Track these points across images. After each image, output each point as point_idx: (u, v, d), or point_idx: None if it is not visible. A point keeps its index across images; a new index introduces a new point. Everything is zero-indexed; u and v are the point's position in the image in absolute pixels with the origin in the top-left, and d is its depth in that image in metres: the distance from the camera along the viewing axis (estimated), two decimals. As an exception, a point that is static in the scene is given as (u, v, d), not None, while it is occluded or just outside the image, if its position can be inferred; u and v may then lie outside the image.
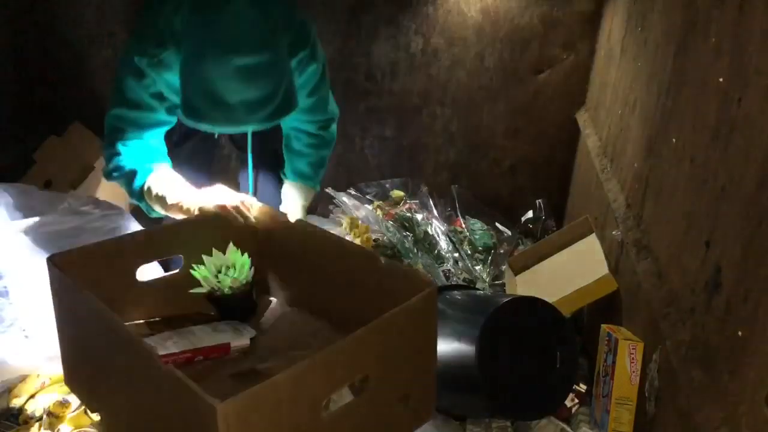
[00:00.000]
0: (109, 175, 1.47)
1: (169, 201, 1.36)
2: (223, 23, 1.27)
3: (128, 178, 1.43)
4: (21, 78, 2.49)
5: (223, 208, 1.29)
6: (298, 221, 1.30)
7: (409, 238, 2.14)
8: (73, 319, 1.09)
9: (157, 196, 1.39)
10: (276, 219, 1.32)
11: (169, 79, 1.39)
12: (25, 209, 1.67)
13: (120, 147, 1.43)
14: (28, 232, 1.57)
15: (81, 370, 1.13)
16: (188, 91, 1.33)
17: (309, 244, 1.27)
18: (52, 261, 1.08)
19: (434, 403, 1.14)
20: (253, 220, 1.31)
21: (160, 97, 1.42)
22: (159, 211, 1.43)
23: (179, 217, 1.37)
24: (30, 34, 2.47)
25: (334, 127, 1.72)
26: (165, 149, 1.50)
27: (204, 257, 1.27)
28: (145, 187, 1.41)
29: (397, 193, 2.40)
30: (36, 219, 1.62)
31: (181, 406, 0.85)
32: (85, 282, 1.01)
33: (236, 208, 1.29)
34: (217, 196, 1.33)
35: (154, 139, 1.47)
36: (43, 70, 2.53)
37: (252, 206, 1.32)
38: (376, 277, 1.14)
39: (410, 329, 1.01)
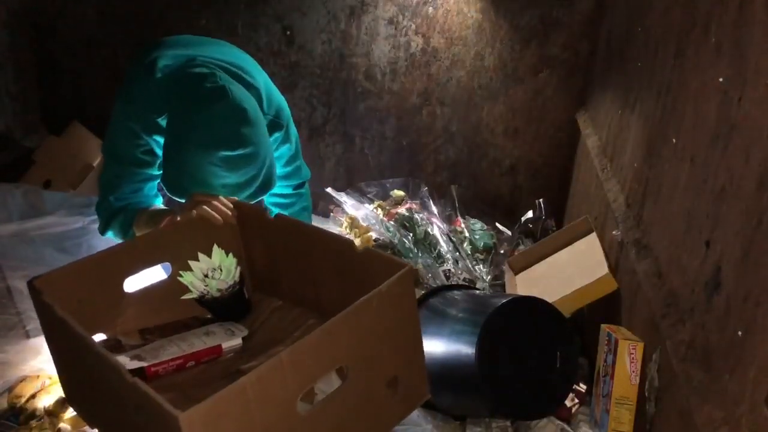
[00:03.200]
0: (105, 228, 1.46)
1: (163, 214, 1.37)
2: (213, 119, 1.30)
3: (122, 218, 1.43)
4: (21, 78, 2.48)
5: (201, 209, 1.28)
6: (278, 215, 1.29)
7: (409, 238, 2.14)
8: (56, 340, 1.09)
9: (149, 215, 1.40)
10: (255, 213, 1.32)
11: (161, 141, 1.41)
12: (28, 209, 1.67)
13: (114, 201, 1.44)
14: (31, 232, 1.57)
15: (76, 388, 1.13)
16: (171, 170, 1.36)
17: (291, 238, 1.27)
18: (31, 284, 1.06)
19: (427, 386, 1.12)
20: (230, 213, 1.30)
21: (152, 153, 1.43)
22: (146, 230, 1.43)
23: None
24: (30, 34, 2.47)
25: (307, 186, 1.76)
26: (160, 199, 1.50)
27: (190, 262, 1.27)
28: (137, 218, 1.42)
29: (397, 193, 2.40)
30: (39, 219, 1.62)
31: (149, 418, 0.85)
32: (72, 300, 1.00)
33: (214, 207, 1.28)
34: (194, 201, 1.32)
35: (151, 191, 1.48)
36: (43, 70, 2.53)
37: (222, 204, 1.31)
38: (355, 264, 1.14)
39: (387, 313, 1.00)
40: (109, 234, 1.47)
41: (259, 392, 0.84)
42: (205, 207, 1.28)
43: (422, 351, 1.10)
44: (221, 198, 1.31)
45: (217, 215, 1.28)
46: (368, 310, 0.97)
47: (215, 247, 1.29)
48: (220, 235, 1.29)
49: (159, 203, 1.49)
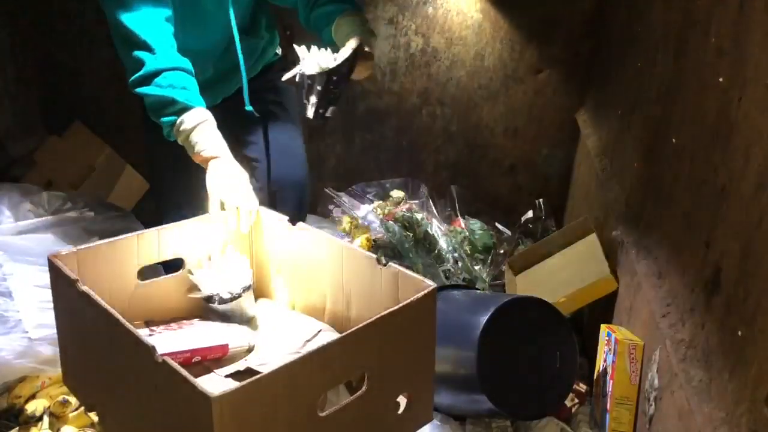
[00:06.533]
0: (139, 85, 1.37)
1: (205, 154, 1.33)
2: None
3: (163, 102, 1.35)
4: (21, 78, 2.48)
5: (233, 208, 1.27)
6: (298, 225, 1.28)
7: (409, 238, 2.14)
8: (73, 317, 1.10)
9: (188, 139, 1.35)
10: (275, 220, 1.32)
11: None
12: (28, 210, 1.67)
13: (148, 55, 1.35)
14: (32, 232, 1.57)
15: (79, 368, 1.14)
16: None
17: (307, 248, 1.27)
18: (51, 260, 1.08)
19: (432, 410, 1.14)
20: (245, 229, 1.29)
21: None
22: (180, 142, 1.38)
23: (197, 160, 1.35)
24: (30, 34, 2.47)
25: None
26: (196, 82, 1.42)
27: (202, 262, 1.27)
28: (182, 125, 1.35)
29: (397, 193, 2.40)
30: (41, 220, 1.62)
31: (177, 398, 0.85)
32: (86, 282, 1.02)
33: (233, 209, 1.28)
34: (228, 188, 1.29)
35: (171, 27, 1.41)
36: (43, 70, 2.53)
37: (251, 211, 1.30)
38: (375, 280, 1.14)
39: (409, 329, 1.01)
40: (151, 91, 1.36)
41: (287, 385, 0.85)
42: (237, 207, 1.27)
43: (432, 376, 1.11)
44: (258, 208, 1.30)
45: (235, 222, 1.27)
46: (394, 323, 0.98)
47: (230, 249, 1.29)
48: (235, 238, 1.30)
49: (202, 102, 1.39)
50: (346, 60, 1.38)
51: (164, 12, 1.40)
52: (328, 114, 1.41)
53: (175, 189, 1.64)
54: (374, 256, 1.15)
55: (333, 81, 1.38)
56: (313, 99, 1.39)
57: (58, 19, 2.46)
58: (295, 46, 1.41)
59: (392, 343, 0.99)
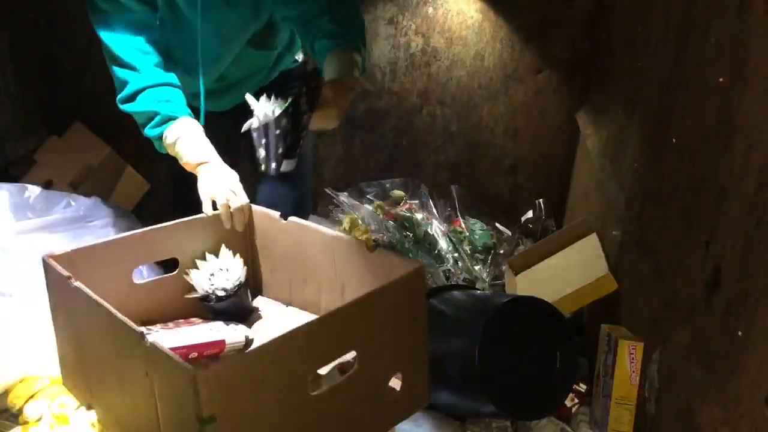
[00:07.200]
0: (125, 102, 1.40)
1: (192, 161, 1.33)
2: None
3: (148, 116, 1.37)
4: (21, 78, 2.48)
5: (224, 206, 1.28)
6: (289, 219, 1.29)
7: (409, 238, 2.14)
8: (68, 315, 1.10)
9: (175, 151, 1.36)
10: (266, 217, 1.32)
11: None
12: (28, 210, 1.67)
13: (133, 74, 1.38)
14: (32, 232, 1.57)
15: (76, 366, 1.14)
16: None
17: (299, 241, 1.28)
18: (45, 260, 1.08)
19: (428, 392, 1.14)
20: (239, 227, 1.29)
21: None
22: (171, 154, 1.38)
23: (188, 168, 1.35)
24: (30, 34, 2.47)
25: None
26: (182, 94, 1.41)
27: (197, 261, 1.28)
28: (167, 137, 1.35)
29: (397, 193, 2.40)
30: (40, 220, 1.62)
31: (166, 380, 0.86)
32: (81, 282, 1.02)
33: (224, 207, 1.28)
34: (218, 186, 1.29)
35: (156, 46, 1.42)
36: (43, 70, 2.53)
37: (243, 208, 1.30)
38: (366, 266, 1.15)
39: (398, 307, 1.02)
40: (136, 108, 1.38)
41: (275, 363, 0.86)
42: (227, 205, 1.27)
43: (427, 356, 1.11)
44: (247, 204, 1.31)
45: (228, 220, 1.27)
46: (382, 300, 0.98)
47: (223, 248, 1.29)
48: (228, 236, 1.30)
49: (187, 112, 1.38)
50: (287, 109, 1.17)
51: (146, 37, 1.42)
52: (283, 168, 1.20)
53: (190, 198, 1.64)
54: (361, 241, 1.15)
55: (281, 133, 1.17)
56: (262, 152, 1.18)
57: (58, 19, 2.46)
58: (247, 96, 1.22)
59: (381, 321, 1.00)
